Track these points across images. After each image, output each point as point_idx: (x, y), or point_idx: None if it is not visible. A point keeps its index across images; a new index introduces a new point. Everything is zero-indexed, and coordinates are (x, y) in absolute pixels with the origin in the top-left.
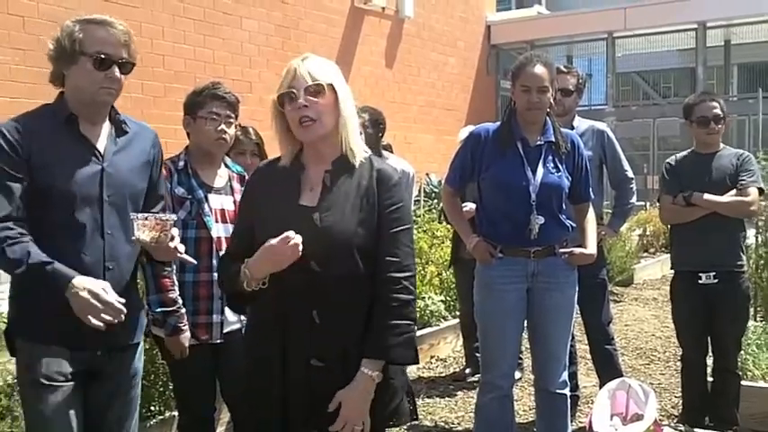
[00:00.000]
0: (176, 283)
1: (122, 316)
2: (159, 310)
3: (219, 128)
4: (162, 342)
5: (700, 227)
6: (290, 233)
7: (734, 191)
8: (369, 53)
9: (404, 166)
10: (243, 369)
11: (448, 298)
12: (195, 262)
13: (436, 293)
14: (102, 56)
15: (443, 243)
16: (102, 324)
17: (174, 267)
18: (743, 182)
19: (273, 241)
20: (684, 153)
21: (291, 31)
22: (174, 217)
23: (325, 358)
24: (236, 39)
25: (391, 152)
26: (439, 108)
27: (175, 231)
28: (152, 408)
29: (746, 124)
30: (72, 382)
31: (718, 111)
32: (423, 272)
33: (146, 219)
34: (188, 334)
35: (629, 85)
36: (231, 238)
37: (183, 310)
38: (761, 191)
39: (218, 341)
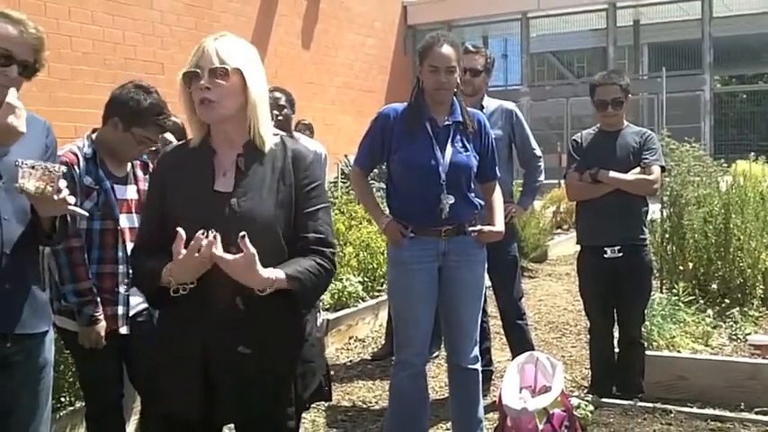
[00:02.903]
0: (90, 272)
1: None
2: (75, 300)
3: (144, 151)
4: (67, 334)
5: (605, 203)
6: (199, 234)
7: (638, 169)
8: (284, 33)
9: (316, 147)
10: (155, 358)
11: (366, 279)
12: (87, 214)
13: (354, 275)
14: (4, 51)
15: (361, 224)
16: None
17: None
18: (646, 160)
19: (182, 252)
20: (590, 131)
21: (205, 11)
22: (63, 168)
23: (253, 345)
24: (147, 19)
25: (312, 133)
26: (357, 90)
27: (63, 183)
28: (62, 399)
29: (655, 102)
30: None
31: (618, 94)
32: (341, 253)
33: (32, 168)
34: (104, 324)
35: (545, 65)
36: (140, 228)
37: (98, 299)
38: (662, 169)
39: (124, 332)
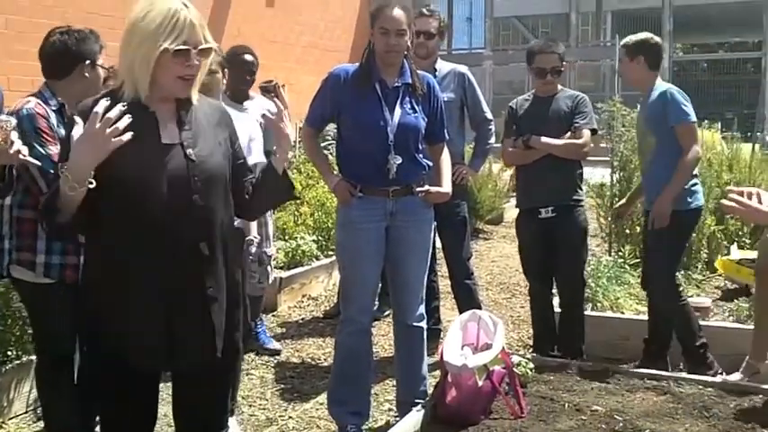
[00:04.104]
0: None
1: None
2: None
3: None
4: (23, 285)
5: (538, 167)
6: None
7: (569, 133)
8: None
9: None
10: (109, 301)
11: (320, 238)
12: (39, 163)
13: (309, 234)
14: None
15: (318, 184)
16: None
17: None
18: (576, 124)
19: (87, 128)
20: (526, 96)
21: None
22: (14, 121)
23: (217, 288)
24: None
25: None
26: (321, 49)
27: (14, 135)
28: (9, 353)
29: (616, 69)
30: None
31: (557, 63)
32: (297, 212)
33: None
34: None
35: (509, 29)
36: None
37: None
38: (594, 131)
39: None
